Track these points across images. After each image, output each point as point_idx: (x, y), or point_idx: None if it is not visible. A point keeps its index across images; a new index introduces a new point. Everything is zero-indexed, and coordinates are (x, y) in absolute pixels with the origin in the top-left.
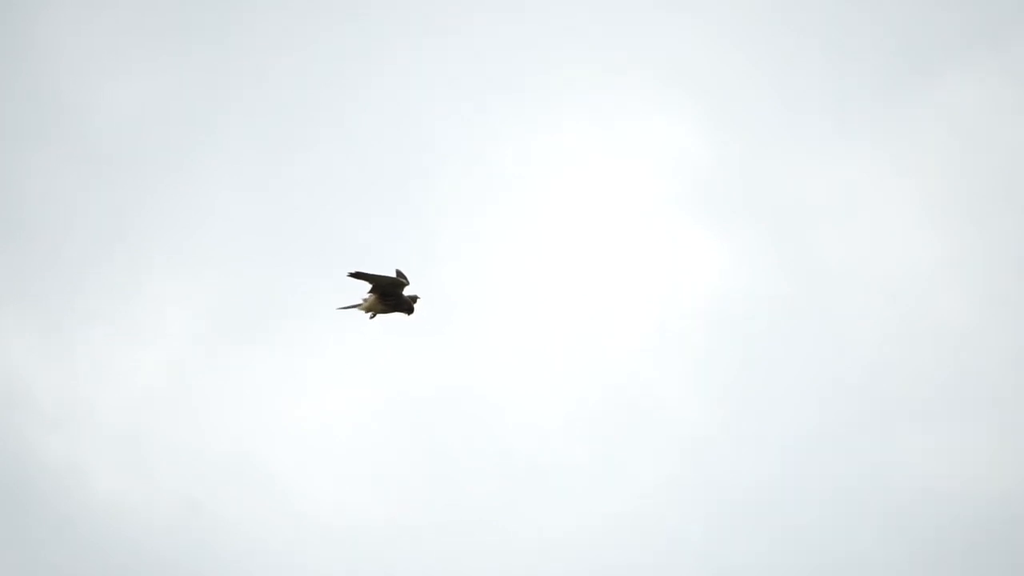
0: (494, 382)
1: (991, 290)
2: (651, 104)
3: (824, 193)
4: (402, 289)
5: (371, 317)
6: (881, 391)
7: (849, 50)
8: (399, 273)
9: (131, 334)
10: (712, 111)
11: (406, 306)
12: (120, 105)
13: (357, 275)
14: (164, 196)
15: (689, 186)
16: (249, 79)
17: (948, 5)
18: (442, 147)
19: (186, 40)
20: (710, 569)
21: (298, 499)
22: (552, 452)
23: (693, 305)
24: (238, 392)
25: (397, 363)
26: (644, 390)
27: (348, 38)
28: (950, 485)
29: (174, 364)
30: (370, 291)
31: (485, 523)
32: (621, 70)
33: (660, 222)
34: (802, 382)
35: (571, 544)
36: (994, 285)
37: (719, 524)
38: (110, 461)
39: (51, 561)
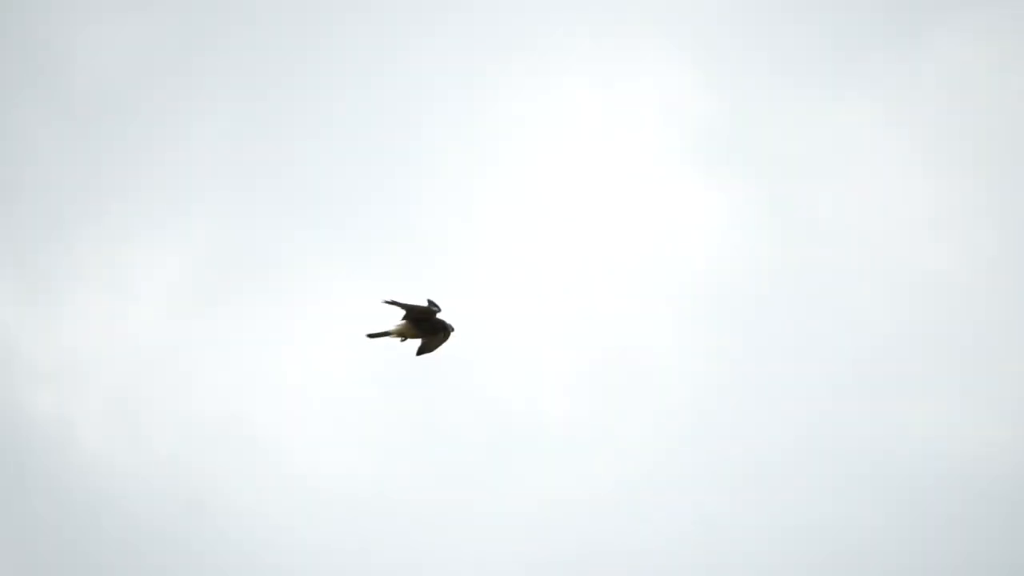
0: (490, 343)
1: (989, 244)
2: (646, 56)
3: (820, 145)
4: (435, 316)
5: (402, 341)
6: (880, 350)
7: (846, 2)
8: (431, 302)
9: (120, 289)
10: (707, 63)
11: (441, 328)
12: (106, 55)
13: (391, 303)
14: (151, 150)
15: (685, 139)
16: (239, 31)
17: None
18: (434, 109)
19: None
20: (711, 533)
21: (287, 459)
22: (549, 415)
23: (692, 262)
24: (227, 349)
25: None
26: (642, 350)
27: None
28: (950, 449)
29: (163, 319)
30: (403, 318)
31: (480, 486)
32: (615, 22)
33: (656, 177)
34: (801, 339)
35: (569, 509)
36: (992, 239)
37: (719, 487)
38: (99, 416)
39: (39, 514)
